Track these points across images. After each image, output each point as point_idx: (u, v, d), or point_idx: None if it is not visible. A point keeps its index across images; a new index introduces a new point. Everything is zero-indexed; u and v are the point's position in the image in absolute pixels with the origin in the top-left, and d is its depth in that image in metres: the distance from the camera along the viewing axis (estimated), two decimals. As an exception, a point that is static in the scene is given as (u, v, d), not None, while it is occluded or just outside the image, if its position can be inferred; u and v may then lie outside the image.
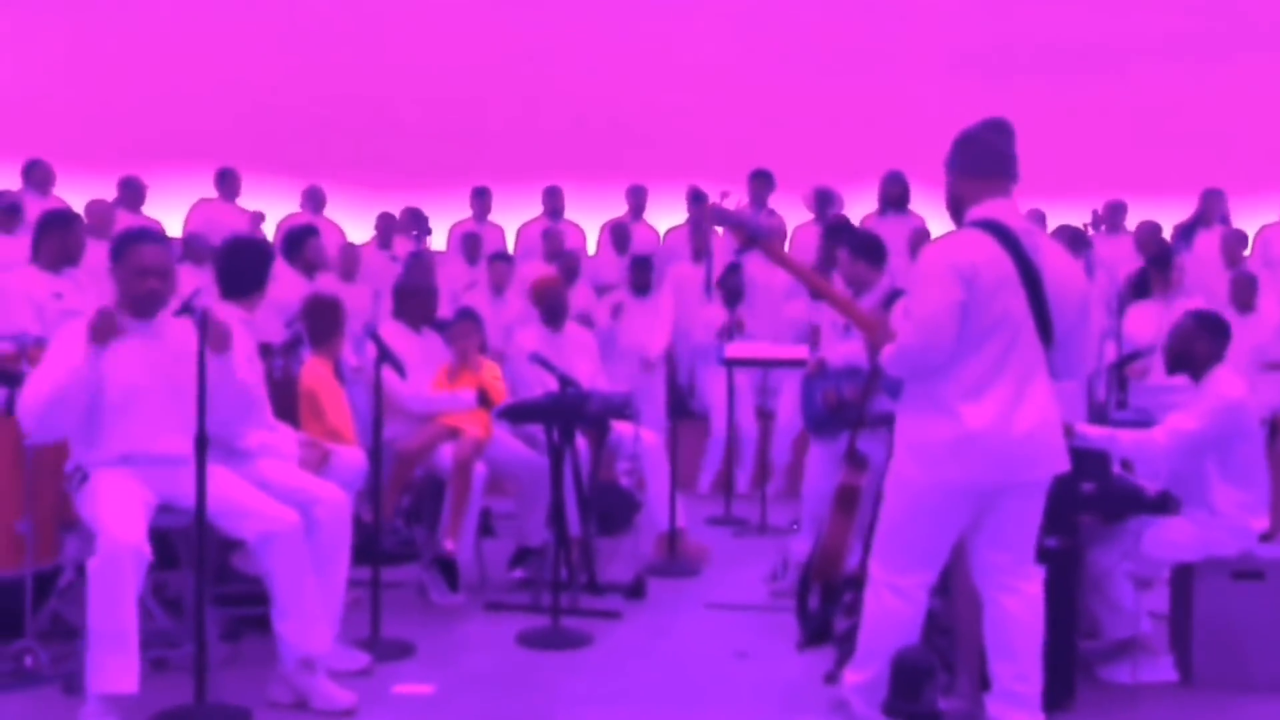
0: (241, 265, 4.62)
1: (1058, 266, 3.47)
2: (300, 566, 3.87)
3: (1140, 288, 6.77)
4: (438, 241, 9.04)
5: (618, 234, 9.46)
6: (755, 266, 8.46)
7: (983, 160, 3.48)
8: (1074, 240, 6.36)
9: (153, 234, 4.19)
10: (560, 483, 5.12)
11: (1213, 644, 4.27)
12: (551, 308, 6.31)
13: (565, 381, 5.25)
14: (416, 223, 9.02)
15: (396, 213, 9.30)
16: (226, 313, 4.28)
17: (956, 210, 3.55)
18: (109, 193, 8.67)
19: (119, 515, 3.66)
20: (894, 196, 8.86)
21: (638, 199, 9.75)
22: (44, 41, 10.12)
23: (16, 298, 5.19)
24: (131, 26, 10.24)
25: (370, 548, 4.70)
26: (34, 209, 7.76)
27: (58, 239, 5.19)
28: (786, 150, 10.03)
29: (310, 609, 3.91)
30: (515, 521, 5.85)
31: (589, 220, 9.94)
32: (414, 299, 5.71)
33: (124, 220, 8.04)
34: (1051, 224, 7.84)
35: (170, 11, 10.35)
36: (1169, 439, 4.21)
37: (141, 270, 3.88)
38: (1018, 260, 3.37)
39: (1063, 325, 3.46)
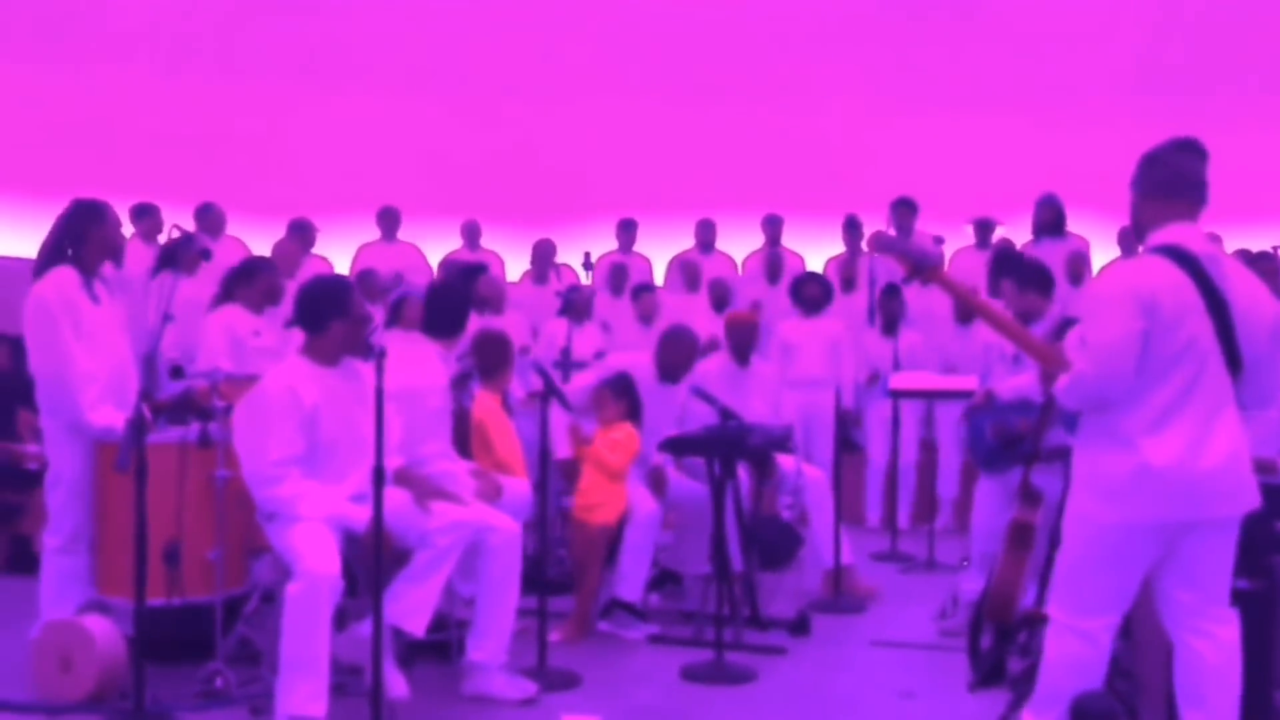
0: (447, 307, 5.01)
1: (1245, 291, 3.33)
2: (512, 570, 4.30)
3: None
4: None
5: (772, 263, 9.34)
6: (913, 292, 8.30)
7: (1166, 182, 3.37)
8: (1266, 268, 6.02)
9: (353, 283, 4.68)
10: (721, 516, 5.11)
11: None
12: (741, 345, 6.29)
13: (726, 414, 5.24)
14: (545, 257, 9.04)
15: (551, 246, 9.28)
16: (427, 349, 4.87)
17: (1139, 233, 3.45)
18: (275, 235, 8.82)
19: (317, 548, 3.86)
20: (1048, 221, 8.60)
21: (776, 230, 9.65)
22: (207, 84, 10.46)
23: (216, 335, 5.55)
24: (296, 78, 10.62)
25: (536, 577, 4.77)
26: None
27: (266, 281, 5.79)
28: (941, 177, 9.83)
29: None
30: (670, 551, 5.86)
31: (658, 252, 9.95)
32: None
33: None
34: (1229, 247, 7.47)
35: (330, 61, 10.72)
36: None
37: (365, 318, 4.22)
38: (1202, 287, 3.25)
39: (1252, 354, 3.31)
